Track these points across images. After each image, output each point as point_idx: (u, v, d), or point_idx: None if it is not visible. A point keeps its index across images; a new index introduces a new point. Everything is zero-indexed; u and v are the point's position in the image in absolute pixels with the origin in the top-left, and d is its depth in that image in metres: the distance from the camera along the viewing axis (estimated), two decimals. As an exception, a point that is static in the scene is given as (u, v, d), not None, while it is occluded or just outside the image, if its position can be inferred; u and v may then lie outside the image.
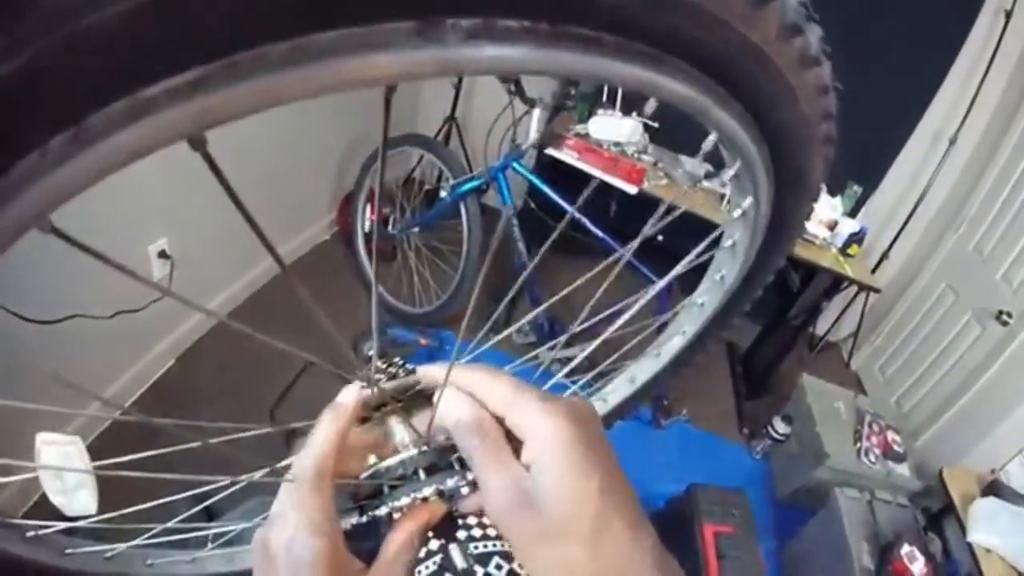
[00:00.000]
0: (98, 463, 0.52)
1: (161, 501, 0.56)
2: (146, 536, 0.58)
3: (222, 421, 0.51)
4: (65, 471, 0.52)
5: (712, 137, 0.41)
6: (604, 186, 2.58)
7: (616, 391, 0.92)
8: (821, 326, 3.79)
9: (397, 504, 0.46)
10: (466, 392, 0.43)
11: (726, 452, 2.92)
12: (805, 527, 2.36)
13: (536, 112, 2.43)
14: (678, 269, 0.65)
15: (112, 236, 2.24)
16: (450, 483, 0.46)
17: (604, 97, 2.72)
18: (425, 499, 0.46)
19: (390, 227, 3.15)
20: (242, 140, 2.63)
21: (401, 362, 0.48)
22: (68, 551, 0.58)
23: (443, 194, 2.79)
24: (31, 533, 0.57)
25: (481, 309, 3.14)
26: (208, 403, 2.47)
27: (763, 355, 3.29)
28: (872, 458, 2.45)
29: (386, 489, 0.48)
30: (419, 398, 0.50)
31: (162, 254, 2.44)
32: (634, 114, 2.67)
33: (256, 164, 2.72)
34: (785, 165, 0.47)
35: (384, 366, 0.50)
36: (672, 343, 0.82)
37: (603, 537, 0.37)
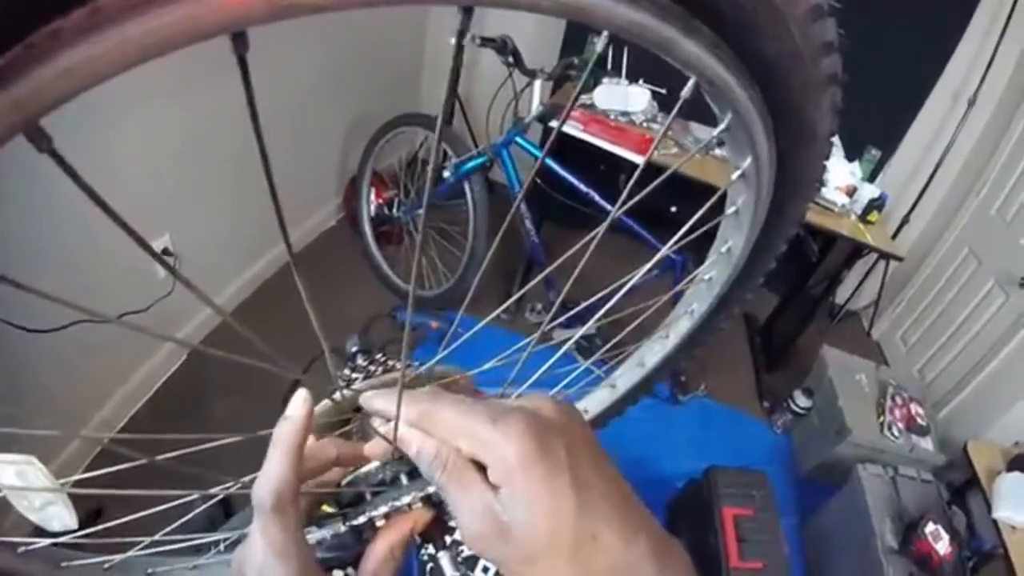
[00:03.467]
0: (63, 480, 0.52)
1: (155, 510, 0.54)
2: (142, 546, 0.56)
3: (235, 415, 0.49)
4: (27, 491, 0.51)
5: (691, 82, 0.34)
6: (613, 158, 2.51)
7: (625, 376, 0.88)
8: (841, 295, 3.70)
9: (377, 512, 0.45)
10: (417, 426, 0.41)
11: (746, 427, 2.86)
12: (827, 504, 2.30)
13: (537, 84, 2.36)
14: (676, 238, 0.59)
15: (115, 232, 2.16)
16: (433, 488, 0.43)
17: (610, 65, 2.63)
18: (409, 506, 0.45)
19: (395, 210, 3.09)
20: (243, 128, 2.60)
21: (359, 375, 0.45)
22: (64, 564, 0.57)
23: (446, 173, 2.72)
24: (22, 549, 0.55)
25: (493, 288, 3.17)
26: (223, 395, 2.46)
27: (782, 326, 3.23)
28: (895, 432, 2.38)
29: (368, 496, 0.47)
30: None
31: (165, 251, 2.41)
32: (641, 81, 2.59)
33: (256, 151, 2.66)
34: (783, 112, 0.41)
35: (348, 373, 0.48)
36: (680, 324, 0.77)
37: (589, 552, 0.36)
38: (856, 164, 2.73)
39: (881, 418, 2.42)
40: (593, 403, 0.92)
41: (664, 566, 0.37)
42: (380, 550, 0.43)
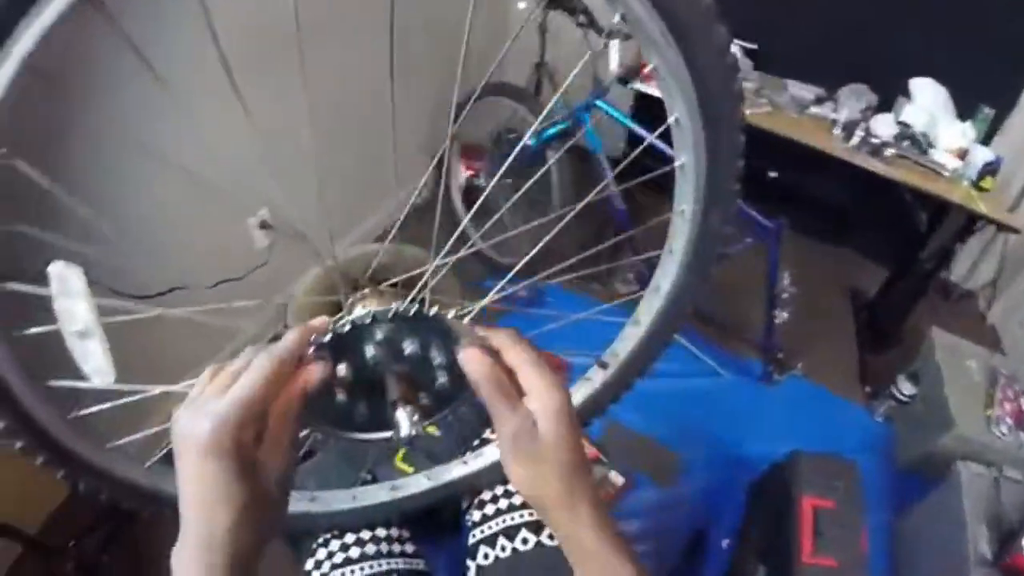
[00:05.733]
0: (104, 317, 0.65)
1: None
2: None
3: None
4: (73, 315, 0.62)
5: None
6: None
7: (645, 307, 0.89)
8: (957, 272, 3.40)
9: (357, 316, 0.59)
10: (488, 346, 0.58)
11: (844, 412, 2.67)
12: (922, 500, 2.12)
13: (615, 44, 2.24)
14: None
15: (214, 204, 2.28)
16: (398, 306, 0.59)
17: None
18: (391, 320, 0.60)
19: (483, 180, 3.09)
20: (335, 103, 2.64)
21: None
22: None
23: (529, 141, 2.67)
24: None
25: (588, 255, 3.03)
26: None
27: (891, 303, 2.99)
28: (1004, 429, 2.15)
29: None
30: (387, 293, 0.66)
31: (263, 224, 2.46)
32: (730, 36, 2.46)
33: (354, 122, 2.72)
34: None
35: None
36: (678, 231, 0.76)
37: (571, 465, 0.56)
38: (968, 124, 2.51)
39: (989, 411, 2.20)
40: (622, 346, 0.92)
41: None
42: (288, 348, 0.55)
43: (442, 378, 0.63)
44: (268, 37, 2.26)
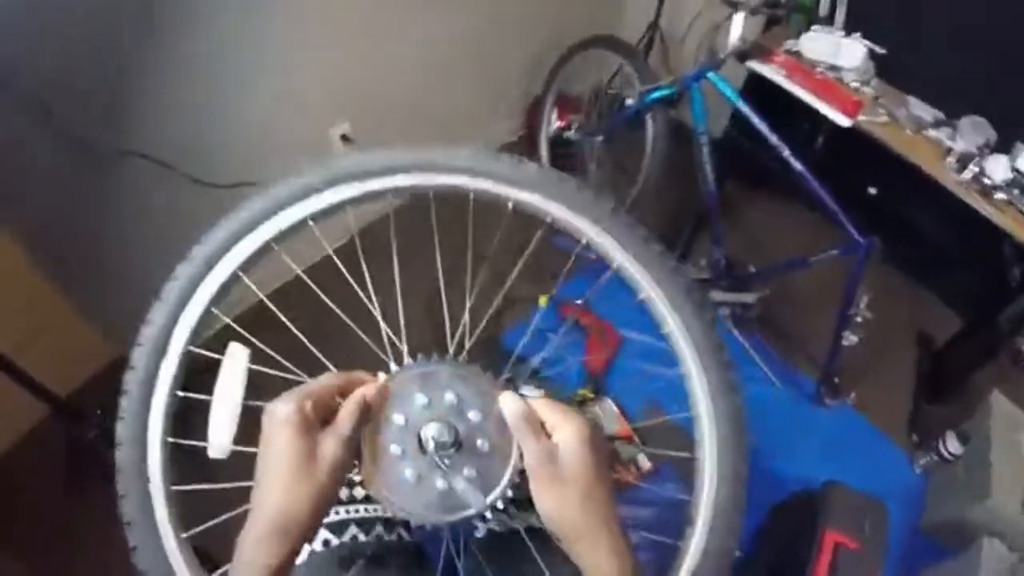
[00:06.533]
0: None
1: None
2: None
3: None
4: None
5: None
6: (812, 115, 2.25)
7: None
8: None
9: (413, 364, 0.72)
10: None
11: (885, 454, 2.55)
12: (936, 565, 2.03)
13: (739, 17, 2.11)
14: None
15: (296, 114, 2.29)
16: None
17: (823, 11, 2.34)
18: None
19: (575, 134, 3.01)
20: (437, 30, 2.58)
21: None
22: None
23: (629, 102, 2.57)
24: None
25: (666, 231, 2.98)
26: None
27: (958, 356, 2.79)
28: (1039, 515, 1.98)
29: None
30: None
31: (344, 137, 2.47)
32: (858, 34, 2.30)
33: (449, 55, 2.71)
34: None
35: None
36: None
37: (593, 489, 0.63)
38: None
39: (1029, 493, 2.04)
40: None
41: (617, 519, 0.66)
42: (351, 404, 0.65)
43: (481, 440, 0.69)
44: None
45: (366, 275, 0.87)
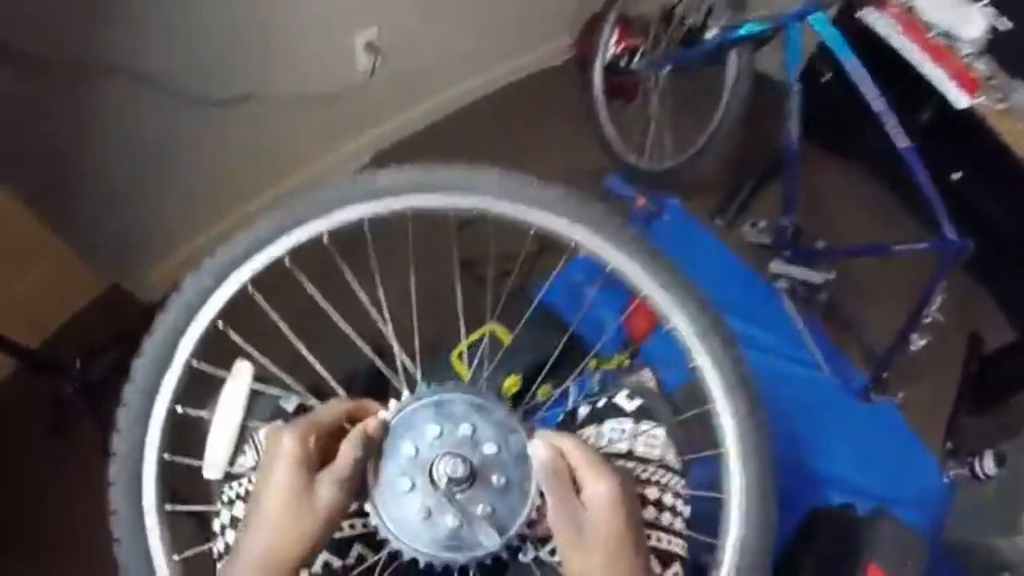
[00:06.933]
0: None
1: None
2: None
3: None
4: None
5: None
6: (918, 83, 1.98)
7: None
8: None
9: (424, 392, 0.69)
10: (554, 443, 0.65)
11: (918, 459, 2.38)
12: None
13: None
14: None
15: (319, 19, 2.09)
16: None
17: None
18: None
19: (636, 60, 2.72)
20: None
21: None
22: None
23: (711, 33, 2.27)
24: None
25: (718, 183, 2.76)
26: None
27: (1008, 366, 2.61)
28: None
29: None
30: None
31: (369, 46, 2.30)
32: (981, 3, 1.98)
33: None
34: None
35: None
36: None
37: (619, 558, 0.59)
38: None
39: (1063, 529, 1.89)
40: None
41: None
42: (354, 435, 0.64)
43: (497, 475, 0.67)
44: None
45: (381, 295, 0.81)
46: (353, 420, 0.66)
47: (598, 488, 0.60)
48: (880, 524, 1.68)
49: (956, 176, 2.50)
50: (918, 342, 2.08)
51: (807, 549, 1.87)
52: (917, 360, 2.32)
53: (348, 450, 0.62)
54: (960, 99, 1.90)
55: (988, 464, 2.19)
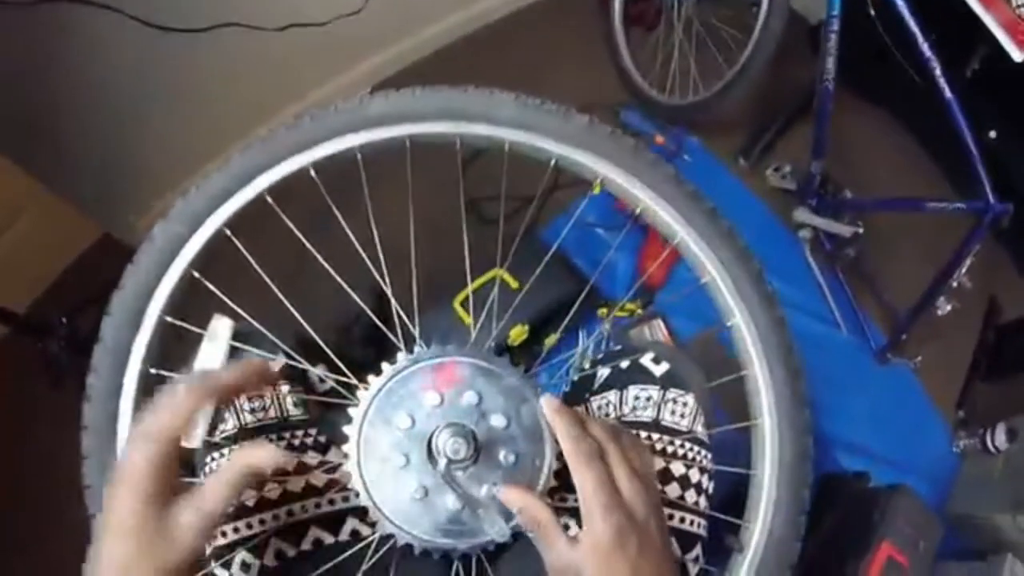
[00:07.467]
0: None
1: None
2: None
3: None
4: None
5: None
6: (967, 29, 1.83)
7: None
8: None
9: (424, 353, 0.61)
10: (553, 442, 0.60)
11: (929, 425, 2.33)
12: (956, 565, 1.87)
13: None
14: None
15: None
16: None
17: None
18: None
19: None
20: None
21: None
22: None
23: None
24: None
25: (743, 122, 2.61)
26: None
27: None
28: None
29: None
30: None
31: None
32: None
33: None
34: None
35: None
36: None
37: None
38: None
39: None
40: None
41: None
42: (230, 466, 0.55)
43: (505, 451, 0.61)
44: None
45: (378, 247, 0.72)
46: (237, 392, 0.61)
47: (595, 530, 0.56)
48: (898, 502, 1.65)
49: (992, 134, 2.39)
50: (944, 306, 2.02)
51: (817, 519, 1.81)
52: (933, 322, 2.26)
53: (216, 488, 0.54)
54: (1014, 51, 1.77)
55: (1000, 437, 2.14)
